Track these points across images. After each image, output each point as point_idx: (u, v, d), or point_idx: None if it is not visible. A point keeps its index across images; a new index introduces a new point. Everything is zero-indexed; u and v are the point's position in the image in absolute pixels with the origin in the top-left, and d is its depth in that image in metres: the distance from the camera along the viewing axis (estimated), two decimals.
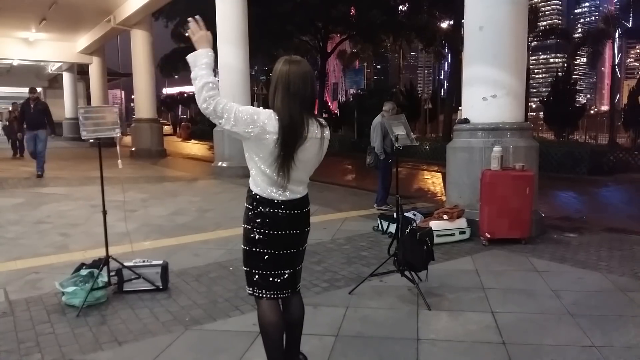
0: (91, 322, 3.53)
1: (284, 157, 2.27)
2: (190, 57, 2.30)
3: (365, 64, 53.73)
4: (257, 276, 2.42)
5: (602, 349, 3.06)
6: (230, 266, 4.76)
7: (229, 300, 3.91)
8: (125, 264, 4.09)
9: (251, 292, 2.47)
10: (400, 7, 26.99)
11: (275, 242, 2.38)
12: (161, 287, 4.09)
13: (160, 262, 4.18)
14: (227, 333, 3.37)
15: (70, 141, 26.24)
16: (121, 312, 3.71)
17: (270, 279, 2.41)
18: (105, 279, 3.98)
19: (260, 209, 2.34)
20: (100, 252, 4.20)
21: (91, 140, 4.19)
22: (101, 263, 4.02)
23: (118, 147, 4.01)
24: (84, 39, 22.68)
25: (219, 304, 3.86)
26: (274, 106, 2.30)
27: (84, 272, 3.98)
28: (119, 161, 4.08)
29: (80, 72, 29.34)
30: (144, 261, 4.18)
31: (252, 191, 2.37)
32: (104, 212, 4.01)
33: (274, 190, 2.34)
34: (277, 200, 2.35)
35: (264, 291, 2.42)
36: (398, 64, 41.65)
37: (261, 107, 2.32)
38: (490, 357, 3.01)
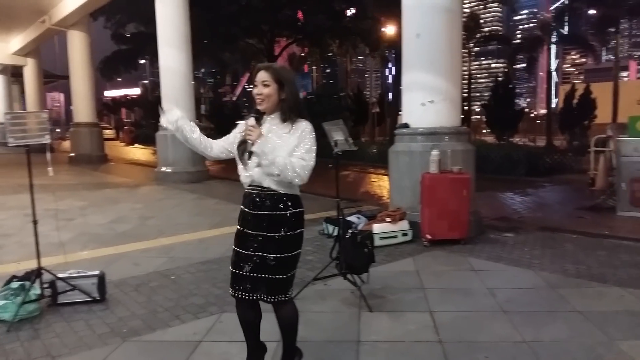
0: (23, 337, 3.39)
1: None
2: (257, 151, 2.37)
3: (315, 67, 53.97)
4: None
5: (532, 343, 3.21)
6: (171, 275, 4.68)
7: (170, 310, 3.84)
8: (59, 275, 3.95)
9: (292, 294, 2.61)
10: (347, 11, 27.30)
11: None
12: (98, 299, 3.98)
13: (97, 272, 4.06)
14: (166, 343, 3.31)
15: (3, 147, 24.91)
16: (55, 326, 3.58)
17: None
18: (38, 291, 3.83)
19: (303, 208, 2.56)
20: (35, 264, 4.03)
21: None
22: (33, 275, 3.86)
23: (48, 153, 3.86)
24: (18, 40, 21.69)
25: (158, 313, 3.78)
26: (301, 112, 2.50)
27: (15, 284, 3.82)
28: (50, 168, 3.94)
29: (15, 74, 27.97)
30: (79, 272, 4.04)
31: (296, 195, 2.52)
32: (35, 222, 3.85)
33: None
34: None
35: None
36: (346, 68, 42.07)
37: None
38: (427, 355, 3.10)
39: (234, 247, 2.55)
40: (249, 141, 2.35)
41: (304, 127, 2.44)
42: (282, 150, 2.37)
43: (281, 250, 2.44)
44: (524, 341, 3.25)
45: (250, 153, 2.38)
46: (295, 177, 2.35)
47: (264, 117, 2.49)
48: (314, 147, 2.43)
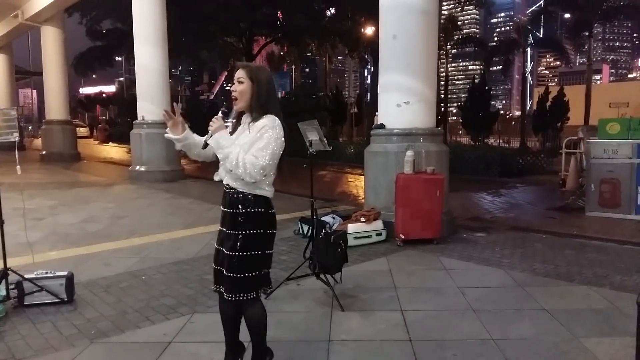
0: None
1: (282, 154, 2.46)
2: (212, 143, 2.39)
3: (294, 67, 53.85)
4: (264, 275, 2.55)
5: (499, 341, 3.27)
6: (142, 275, 4.62)
7: (139, 311, 3.79)
8: (26, 276, 3.87)
9: (254, 295, 2.52)
10: (326, 12, 27.31)
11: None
12: (66, 300, 3.91)
13: (65, 273, 3.98)
14: (135, 345, 3.27)
15: None
16: (21, 327, 3.50)
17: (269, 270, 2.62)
18: (4, 292, 3.75)
19: (272, 210, 2.52)
20: (1, 264, 3.94)
21: None
22: None
23: (16, 152, 3.78)
24: None
25: (128, 314, 3.73)
26: (269, 110, 2.44)
27: None
28: (18, 167, 3.85)
29: None
30: (47, 272, 3.96)
31: (265, 197, 2.49)
32: (1, 222, 3.76)
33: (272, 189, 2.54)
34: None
35: (263, 287, 2.60)
36: (325, 68, 42.04)
37: (273, 122, 2.41)
38: (397, 354, 3.13)
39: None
40: (209, 132, 2.39)
41: (264, 124, 2.38)
42: (239, 146, 2.37)
43: (240, 249, 2.43)
44: (491, 339, 3.31)
45: (207, 143, 2.40)
46: (244, 174, 2.32)
47: (244, 115, 2.51)
48: (272, 145, 2.35)
